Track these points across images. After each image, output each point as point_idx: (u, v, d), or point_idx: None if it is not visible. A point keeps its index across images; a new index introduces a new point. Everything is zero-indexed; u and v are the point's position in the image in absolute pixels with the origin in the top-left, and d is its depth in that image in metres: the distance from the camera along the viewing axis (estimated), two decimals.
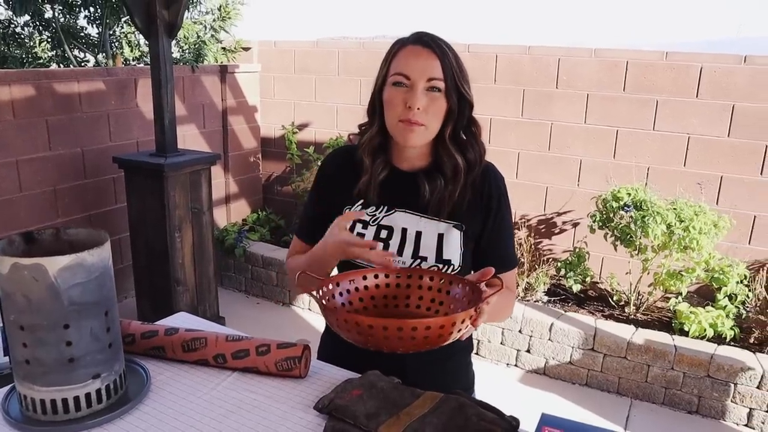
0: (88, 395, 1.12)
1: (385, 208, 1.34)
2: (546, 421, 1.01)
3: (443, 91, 1.25)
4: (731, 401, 3.00)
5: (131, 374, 1.25)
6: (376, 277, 1.23)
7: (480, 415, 1.08)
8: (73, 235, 1.20)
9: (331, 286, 1.20)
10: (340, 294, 1.21)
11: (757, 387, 2.92)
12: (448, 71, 1.24)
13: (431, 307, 1.21)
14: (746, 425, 3.00)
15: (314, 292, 1.12)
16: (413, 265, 1.31)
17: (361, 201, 1.36)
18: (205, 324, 1.50)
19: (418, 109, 1.23)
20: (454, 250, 1.30)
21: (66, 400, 1.11)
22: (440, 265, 1.30)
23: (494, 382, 3.27)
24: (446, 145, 1.30)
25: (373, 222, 1.34)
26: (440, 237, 1.30)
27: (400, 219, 1.33)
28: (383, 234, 1.33)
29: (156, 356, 1.33)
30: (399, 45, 1.28)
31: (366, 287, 1.23)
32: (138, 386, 1.22)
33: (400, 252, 1.32)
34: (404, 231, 1.32)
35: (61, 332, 1.07)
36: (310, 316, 4.05)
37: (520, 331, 3.41)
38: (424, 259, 1.30)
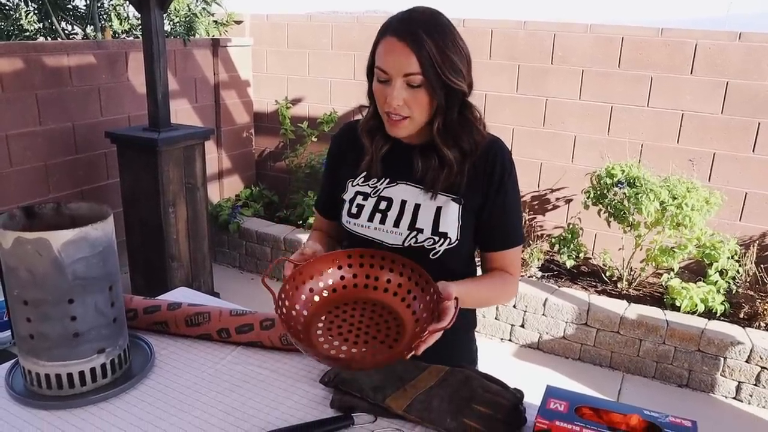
0: (93, 370, 1.12)
1: (387, 180, 1.35)
2: (551, 392, 1.02)
3: (422, 85, 1.20)
4: (720, 375, 3.05)
5: (135, 349, 1.25)
6: (342, 267, 1.20)
7: (485, 387, 1.09)
8: (74, 209, 1.19)
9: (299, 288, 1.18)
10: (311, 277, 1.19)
11: (746, 361, 2.97)
12: (426, 64, 1.17)
13: (398, 293, 1.17)
14: (734, 398, 3.05)
15: (277, 310, 1.08)
16: (409, 236, 1.30)
17: (364, 174, 1.37)
18: (207, 299, 1.50)
19: (399, 105, 1.22)
20: (450, 223, 1.30)
21: (71, 374, 1.11)
22: (436, 237, 1.30)
23: (489, 357, 3.28)
24: (436, 138, 1.28)
25: (374, 194, 1.35)
26: (438, 210, 1.31)
27: (401, 191, 1.34)
28: (382, 205, 1.34)
29: (159, 331, 1.33)
30: (382, 33, 1.23)
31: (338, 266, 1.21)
32: (142, 361, 1.22)
33: (396, 224, 1.32)
34: (403, 203, 1.33)
35: (65, 307, 1.07)
36: None
37: (514, 306, 3.43)
38: (420, 231, 1.30)
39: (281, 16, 4.70)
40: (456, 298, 1.07)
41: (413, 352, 1.02)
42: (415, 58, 1.16)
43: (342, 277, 1.19)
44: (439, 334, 1.05)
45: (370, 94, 1.32)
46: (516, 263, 1.39)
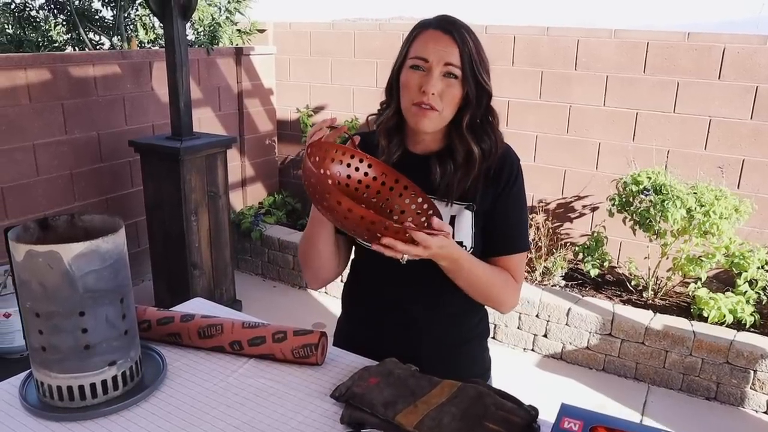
0: (104, 382, 1.12)
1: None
2: (565, 411, 0.99)
3: (459, 78, 1.23)
4: (750, 388, 2.97)
5: (147, 361, 1.25)
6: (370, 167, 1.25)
7: (498, 405, 1.07)
8: (87, 221, 1.20)
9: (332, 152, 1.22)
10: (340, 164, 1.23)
11: None
12: (466, 59, 1.23)
13: (402, 221, 1.21)
14: (765, 412, 2.96)
15: (308, 155, 1.10)
16: None
17: None
18: (221, 310, 1.50)
19: (433, 94, 1.22)
20: (466, 232, 1.29)
21: (82, 386, 1.11)
22: None
23: (511, 367, 3.26)
24: (462, 133, 1.28)
25: None
26: (452, 219, 1.29)
27: None
28: None
29: (172, 343, 1.33)
30: (420, 28, 1.27)
31: (364, 174, 1.24)
32: (154, 373, 1.22)
33: None
34: None
35: (76, 319, 1.07)
36: (326, 300, 4.06)
37: (537, 316, 3.39)
38: None
39: (304, 24, 4.73)
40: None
41: (386, 235, 1.03)
42: (458, 51, 1.22)
43: (365, 174, 1.25)
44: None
45: (393, 90, 1.31)
46: (520, 270, 1.36)
